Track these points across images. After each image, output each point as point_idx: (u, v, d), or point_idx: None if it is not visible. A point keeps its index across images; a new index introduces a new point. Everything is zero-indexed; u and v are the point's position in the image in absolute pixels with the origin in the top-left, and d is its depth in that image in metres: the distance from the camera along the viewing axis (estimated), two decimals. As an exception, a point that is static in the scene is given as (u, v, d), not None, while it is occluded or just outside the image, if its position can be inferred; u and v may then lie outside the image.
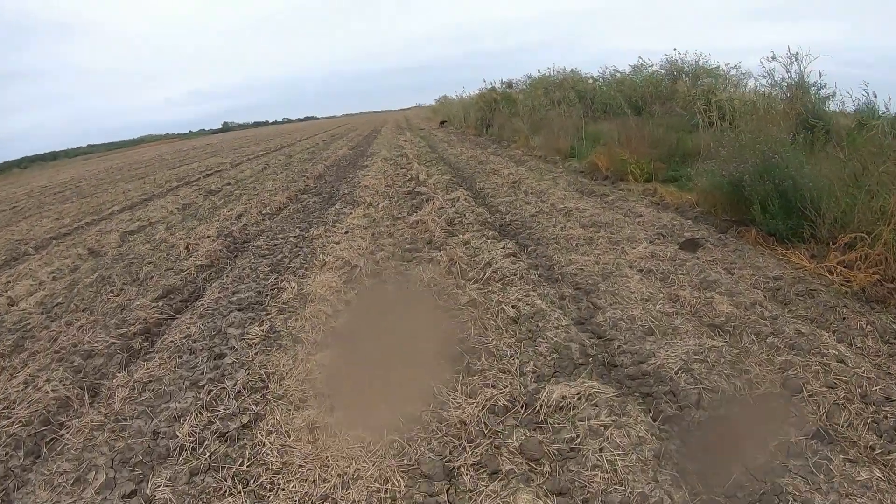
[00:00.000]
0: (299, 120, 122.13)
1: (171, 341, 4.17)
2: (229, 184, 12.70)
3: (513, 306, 4.04)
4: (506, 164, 11.75)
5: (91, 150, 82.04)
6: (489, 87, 21.87)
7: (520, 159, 12.58)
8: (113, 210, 11.57)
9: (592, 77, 20.46)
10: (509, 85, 22.63)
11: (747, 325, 3.60)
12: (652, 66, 18.01)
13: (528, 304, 4.04)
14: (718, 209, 6.41)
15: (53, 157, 75.30)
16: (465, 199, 7.83)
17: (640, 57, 18.77)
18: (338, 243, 6.20)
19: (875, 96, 7.00)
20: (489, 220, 6.81)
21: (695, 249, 5.24)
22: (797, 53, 8.17)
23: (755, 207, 5.49)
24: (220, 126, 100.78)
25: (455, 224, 6.63)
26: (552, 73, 21.73)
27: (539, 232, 6.14)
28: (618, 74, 19.27)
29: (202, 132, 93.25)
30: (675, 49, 16.35)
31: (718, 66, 14.96)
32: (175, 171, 19.74)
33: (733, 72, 14.29)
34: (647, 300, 4.15)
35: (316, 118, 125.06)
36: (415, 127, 33.61)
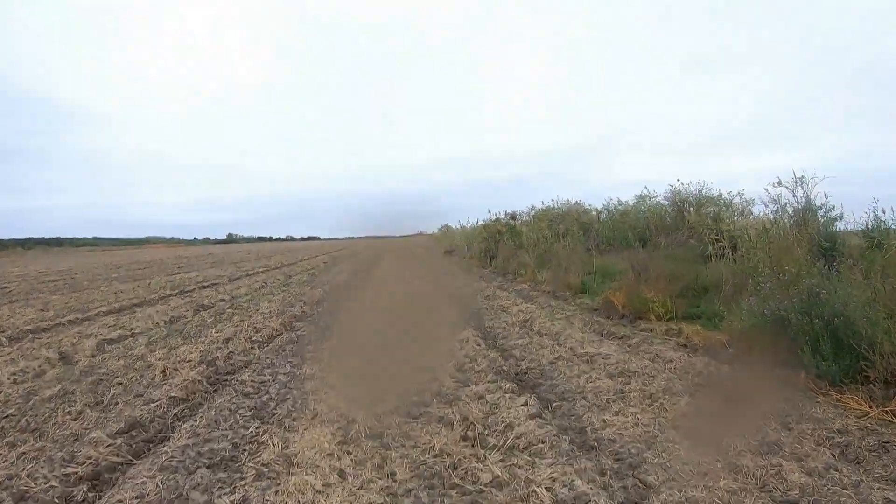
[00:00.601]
0: (302, 239, 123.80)
1: (119, 501, 3.34)
2: (223, 300, 12.13)
3: (547, 488, 3.28)
4: (514, 299, 11.26)
5: (96, 242, 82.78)
6: (493, 217, 22.02)
7: (528, 295, 12.11)
8: (99, 311, 11.01)
9: (596, 209, 20.73)
10: (513, 216, 22.82)
11: (828, 497, 3.00)
12: (655, 196, 18.26)
13: (565, 485, 3.29)
14: (756, 350, 5.82)
15: (59, 243, 76.11)
16: (475, 341, 7.19)
17: (645, 188, 19.04)
18: (333, 387, 5.48)
19: (884, 213, 6.95)
20: (504, 367, 6.12)
21: (738, 403, 4.60)
22: (802, 177, 8.27)
23: (805, 349, 4.92)
24: (226, 237, 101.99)
25: (466, 371, 5.93)
26: (556, 205, 22.06)
27: (562, 384, 5.43)
28: (621, 206, 19.55)
29: (207, 241, 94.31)
30: (678, 180, 16.62)
31: (721, 195, 15.15)
32: (172, 277, 19.40)
33: (737, 199, 14.38)
34: (705, 474, 3.42)
35: (319, 238, 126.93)
36: (418, 255, 33.66)
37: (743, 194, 14.01)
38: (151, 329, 8.88)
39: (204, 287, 15.39)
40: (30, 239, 72.41)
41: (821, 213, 8.32)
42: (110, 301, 12.62)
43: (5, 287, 17.47)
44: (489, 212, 23.31)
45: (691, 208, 15.91)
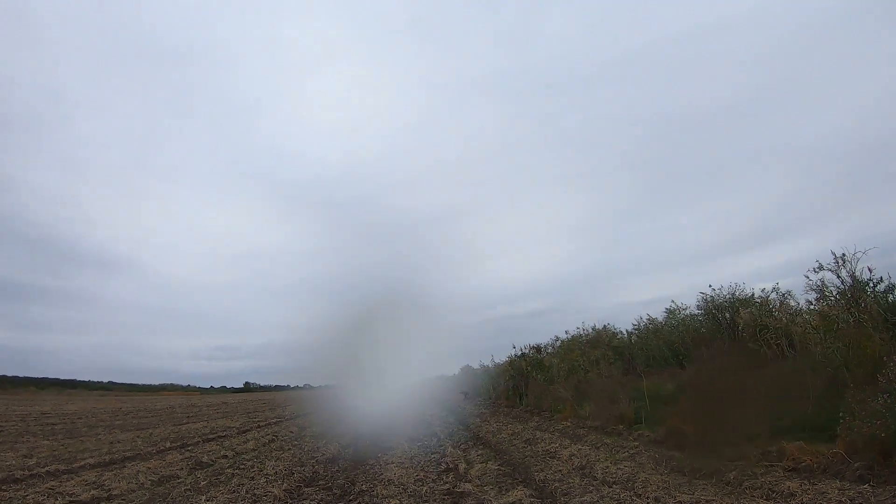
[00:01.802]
0: (320, 387, 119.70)
1: None
2: (226, 456, 10.40)
3: None
4: (559, 440, 9.64)
5: (111, 386, 79.82)
6: (518, 353, 20.56)
7: (574, 433, 10.48)
8: (86, 463, 9.46)
9: (625, 331, 19.41)
10: (538, 349, 21.39)
11: None
12: (686, 308, 17.07)
13: None
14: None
15: (73, 384, 73.47)
16: None
17: (672, 301, 17.85)
18: None
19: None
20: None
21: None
22: (843, 255, 7.90)
23: None
24: (242, 385, 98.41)
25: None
26: (583, 332, 20.73)
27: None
28: (652, 324, 18.24)
29: (224, 389, 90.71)
30: (710, 286, 15.48)
31: (753, 294, 14.04)
32: (178, 427, 17.48)
33: (772, 295, 13.21)
34: None
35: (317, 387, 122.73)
36: (439, 399, 31.73)
37: (779, 289, 12.89)
38: (134, 491, 7.34)
39: (209, 440, 13.69)
40: (45, 379, 70.72)
41: (868, 287, 7.97)
42: (102, 452, 11.11)
43: (0, 428, 16.14)
44: (513, 347, 21.94)
45: (727, 313, 14.78)
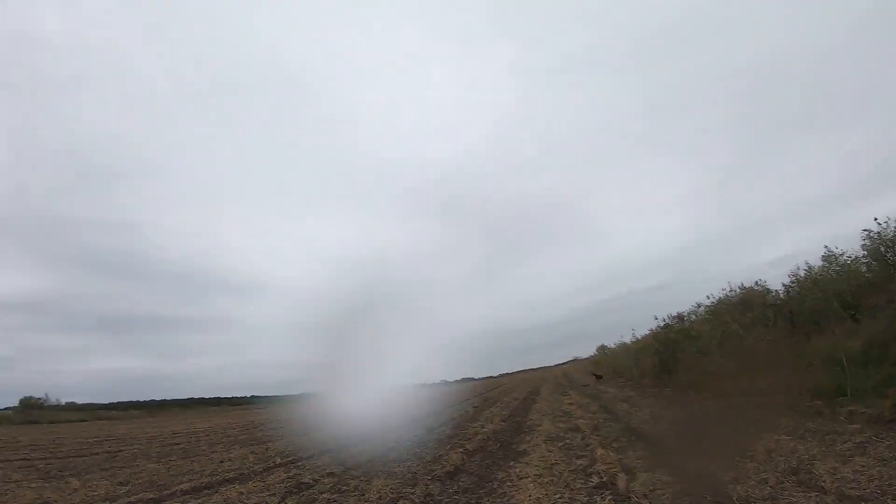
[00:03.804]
0: (456, 382, 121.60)
1: None
2: (332, 473, 9.38)
3: None
4: (741, 428, 7.70)
5: (253, 400, 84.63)
6: (662, 324, 18.31)
7: (756, 417, 8.44)
8: (178, 490, 8.98)
9: (781, 285, 16.67)
10: (681, 318, 19.02)
11: None
12: (842, 253, 14.25)
13: None
14: None
15: (217, 402, 78.03)
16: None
17: (826, 247, 15.00)
18: None
19: None
20: None
21: None
22: None
23: None
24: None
25: None
26: (729, 293, 18.18)
27: None
28: (809, 275, 15.45)
29: None
30: (875, 220, 12.65)
31: None
32: (304, 437, 17.05)
33: None
34: None
35: (473, 379, 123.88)
36: (577, 383, 29.77)
37: None
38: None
39: (325, 452, 12.99)
40: (191, 399, 76.14)
41: None
42: (206, 473, 10.69)
43: (118, 451, 16.61)
44: (655, 318, 19.66)
45: None
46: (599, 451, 7.84)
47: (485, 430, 13.50)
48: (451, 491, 7.21)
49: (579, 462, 7.62)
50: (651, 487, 5.64)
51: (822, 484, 4.70)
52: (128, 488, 9.53)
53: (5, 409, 52.08)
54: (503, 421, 15.31)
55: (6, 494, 9.30)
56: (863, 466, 4.99)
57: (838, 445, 5.74)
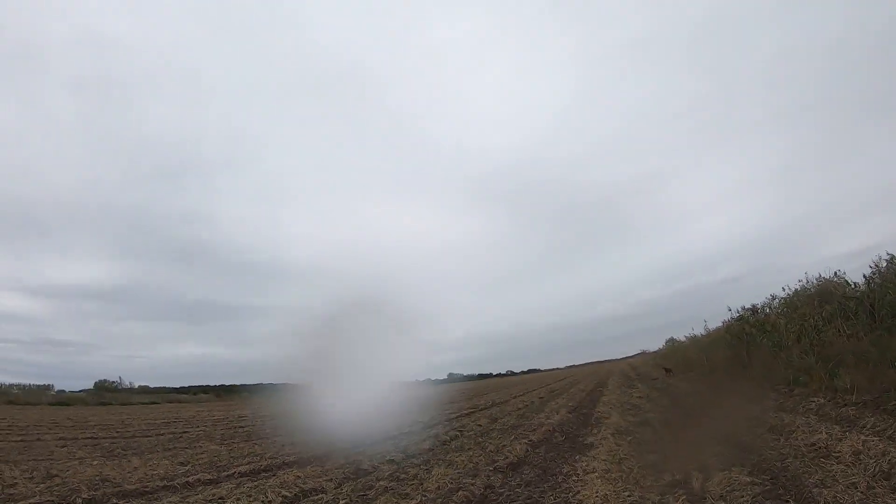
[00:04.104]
0: (522, 372, 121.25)
1: None
2: (392, 461, 9.54)
3: None
4: (822, 426, 7.38)
5: None
6: (736, 315, 17.81)
7: (838, 415, 8.14)
8: (235, 472, 9.27)
9: (862, 276, 15.93)
10: (754, 310, 18.48)
11: None
12: None
13: None
14: None
15: (283, 387, 79.95)
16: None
17: None
18: None
19: None
20: None
21: None
22: None
23: None
24: (446, 377, 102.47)
25: None
26: (806, 285, 17.51)
27: None
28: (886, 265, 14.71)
29: (427, 381, 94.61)
30: None
31: None
32: None
33: None
34: None
35: (539, 370, 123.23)
36: (645, 377, 29.23)
37: None
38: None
39: (386, 438, 13.00)
40: (259, 384, 78.99)
41: None
42: (266, 456, 10.98)
43: (183, 433, 17.57)
44: (729, 309, 19.15)
45: None
46: (671, 447, 7.79)
47: (550, 421, 13.43)
48: (512, 484, 7.16)
49: (650, 458, 7.47)
50: (728, 488, 5.54)
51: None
52: (187, 468, 9.90)
53: (81, 391, 55.11)
54: (569, 412, 15.26)
55: (68, 471, 9.78)
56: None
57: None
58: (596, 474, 6.82)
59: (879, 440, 6.22)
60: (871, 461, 5.49)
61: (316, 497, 7.24)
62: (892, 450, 5.66)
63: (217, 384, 73.79)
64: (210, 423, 22.47)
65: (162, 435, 17.53)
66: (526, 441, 10.25)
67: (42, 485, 8.60)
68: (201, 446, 13.71)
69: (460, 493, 6.77)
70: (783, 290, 17.42)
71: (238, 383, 76.09)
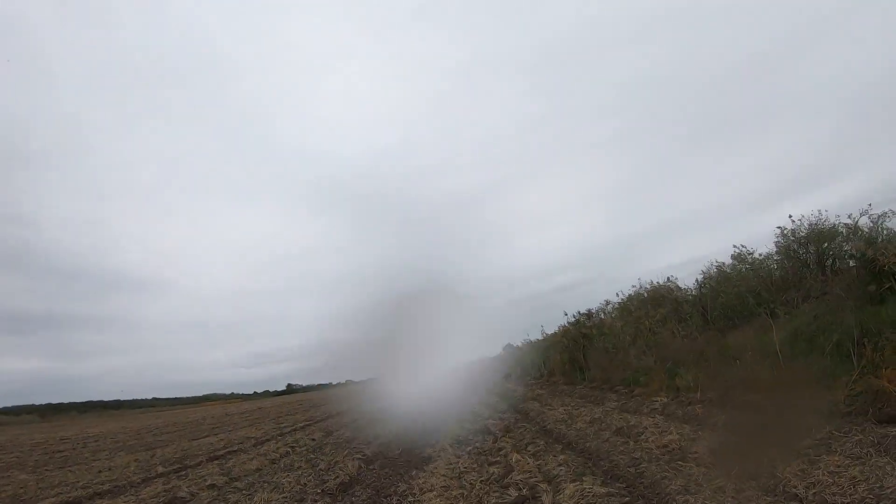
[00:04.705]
0: (361, 382, 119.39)
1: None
2: (213, 486, 8.04)
3: None
4: (671, 427, 6.66)
5: (155, 402, 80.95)
6: (572, 320, 17.54)
7: (684, 415, 7.52)
8: None
9: (695, 281, 16.51)
10: (589, 315, 18.41)
11: None
12: (752, 252, 14.19)
13: None
14: None
15: (118, 405, 74.70)
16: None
17: (734, 246, 14.89)
18: None
19: None
20: None
21: None
22: None
23: None
24: (285, 388, 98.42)
25: None
26: (640, 290, 17.77)
27: None
28: (720, 274, 15.28)
29: (266, 393, 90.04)
30: (790, 217, 12.48)
31: (837, 224, 11.31)
32: (191, 444, 15.71)
33: (863, 219, 10.52)
34: None
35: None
36: (485, 382, 28.98)
37: (870, 211, 10.15)
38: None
39: (214, 458, 11.28)
40: (89, 402, 71.54)
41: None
42: (78, 486, 9.36)
43: None
44: (565, 314, 18.94)
45: (810, 246, 12.02)
46: (515, 456, 6.63)
47: (386, 431, 12.19)
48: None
49: (493, 470, 6.35)
50: (582, 500, 4.43)
51: (797, 494, 3.68)
52: None
53: None
54: (405, 424, 14.01)
55: None
56: (838, 467, 4.05)
57: (805, 441, 4.81)
58: (434, 493, 5.71)
59: (736, 438, 5.45)
60: (732, 461, 4.62)
61: None
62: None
63: (44, 403, 65.92)
64: (27, 448, 20.01)
65: None
66: (360, 457, 9.02)
67: None
68: (9, 476, 11.93)
69: None
70: (617, 295, 17.49)
71: (66, 401, 68.35)
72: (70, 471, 11.77)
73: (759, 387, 7.00)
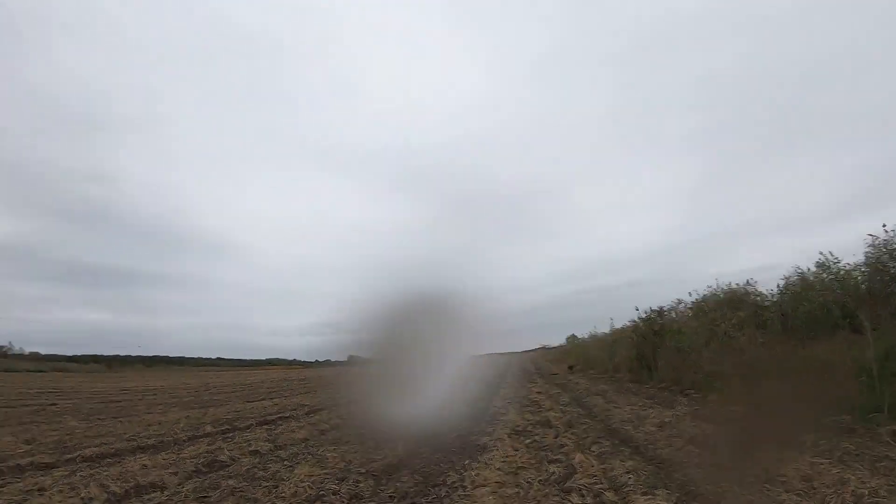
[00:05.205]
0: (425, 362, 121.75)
1: None
2: (257, 452, 8.16)
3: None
4: (754, 441, 6.34)
5: (219, 361, 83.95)
6: (644, 315, 16.94)
7: (770, 429, 7.10)
8: (79, 455, 7.73)
9: (776, 287, 15.59)
10: (660, 313, 17.77)
11: None
12: (838, 261, 13.17)
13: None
14: None
15: (181, 362, 77.40)
16: None
17: (821, 253, 13.84)
18: None
19: None
20: None
21: None
22: None
23: None
24: (346, 359, 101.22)
25: None
26: (716, 291, 16.99)
27: None
28: (802, 281, 14.33)
29: (328, 363, 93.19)
30: (883, 226, 11.44)
31: None
32: (249, 405, 16.21)
33: None
34: None
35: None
36: (546, 372, 28.60)
37: None
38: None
39: (262, 423, 11.55)
40: (155, 357, 74.60)
41: None
42: (124, 437, 9.61)
43: (51, 405, 16.13)
44: (636, 309, 18.35)
45: None
46: (578, 457, 6.32)
47: (441, 414, 12.04)
48: (384, 495, 5.57)
49: (553, 469, 5.98)
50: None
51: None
52: (29, 448, 8.43)
53: (-39, 354, 50.23)
54: (463, 405, 13.89)
55: None
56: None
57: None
58: (487, 488, 5.36)
59: (830, 463, 5.04)
60: (830, 491, 4.23)
61: (150, 495, 5.65)
62: (852, 477, 4.44)
63: (112, 354, 69.83)
64: (86, 395, 20.83)
65: (28, 406, 15.85)
66: (405, 441, 8.55)
67: None
68: (61, 422, 12.15)
69: (343, 488, 5.59)
70: (690, 294, 16.75)
71: (134, 354, 72.17)
72: (121, 422, 12.20)
73: (844, 408, 6.49)
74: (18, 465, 7.08)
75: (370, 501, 5.34)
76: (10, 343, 57.01)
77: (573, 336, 37.06)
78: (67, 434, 10.05)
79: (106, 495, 5.52)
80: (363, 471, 6.49)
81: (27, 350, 59.21)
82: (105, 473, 6.48)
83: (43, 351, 63.05)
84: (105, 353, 69.30)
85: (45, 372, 46.26)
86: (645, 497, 4.56)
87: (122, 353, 72.38)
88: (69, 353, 67.03)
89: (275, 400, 17.76)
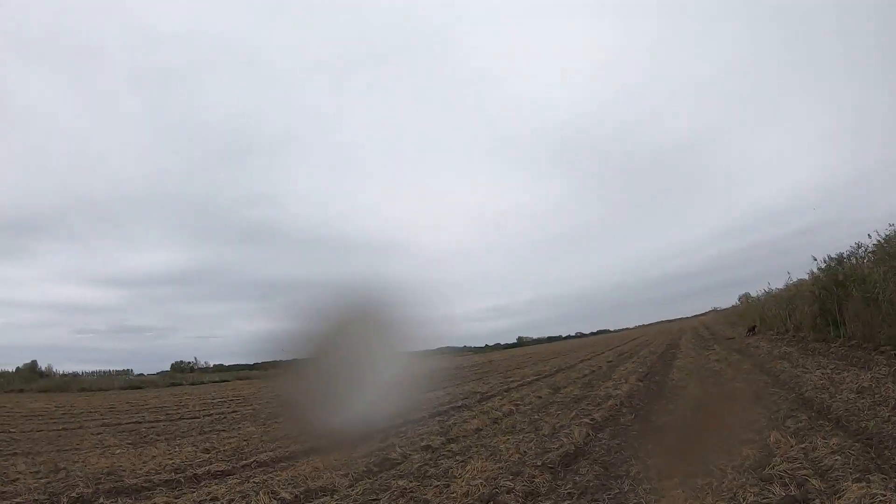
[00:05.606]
0: (592, 334, 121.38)
1: None
2: (428, 447, 8.17)
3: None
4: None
5: None
6: (822, 266, 15.90)
7: None
8: (254, 460, 8.81)
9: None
10: (839, 260, 16.54)
11: None
12: None
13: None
14: None
15: None
16: None
17: None
18: None
19: None
20: None
21: None
22: None
23: None
24: (515, 340, 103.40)
25: None
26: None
27: None
28: None
29: (497, 346, 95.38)
30: None
31: None
32: (423, 396, 15.97)
33: None
34: None
35: (609, 331, 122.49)
36: (720, 336, 27.46)
37: None
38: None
39: (435, 415, 11.80)
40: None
41: None
42: (301, 440, 9.79)
43: (231, 413, 17.32)
44: (814, 259, 17.21)
45: None
46: (773, 436, 5.90)
47: (618, 392, 11.87)
48: (562, 491, 5.44)
49: (747, 453, 5.49)
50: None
51: None
52: (209, 455, 9.28)
53: (158, 373, 57.03)
54: (639, 380, 13.91)
55: (77, 463, 9.35)
56: None
57: None
58: (675, 480, 5.07)
59: None
60: None
61: (319, 500, 6.08)
62: None
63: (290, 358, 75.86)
64: (266, 399, 22.20)
65: (210, 416, 17.35)
66: (588, 421, 8.76)
67: (43, 480, 8.08)
68: (239, 428, 13.30)
69: (519, 483, 5.57)
70: (869, 237, 15.27)
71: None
72: (296, 423, 12.86)
73: None
74: (195, 474, 7.82)
75: (546, 500, 5.21)
76: (195, 358, 63.81)
77: (746, 295, 35.03)
78: (245, 440, 10.89)
79: (275, 503, 5.96)
80: (539, 463, 6.39)
81: (211, 363, 65.47)
82: (277, 479, 6.97)
83: (226, 362, 69.51)
84: (284, 359, 75.42)
85: (228, 381, 51.03)
86: (857, 485, 4.04)
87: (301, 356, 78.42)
88: (249, 362, 74.02)
89: (448, 388, 17.75)
